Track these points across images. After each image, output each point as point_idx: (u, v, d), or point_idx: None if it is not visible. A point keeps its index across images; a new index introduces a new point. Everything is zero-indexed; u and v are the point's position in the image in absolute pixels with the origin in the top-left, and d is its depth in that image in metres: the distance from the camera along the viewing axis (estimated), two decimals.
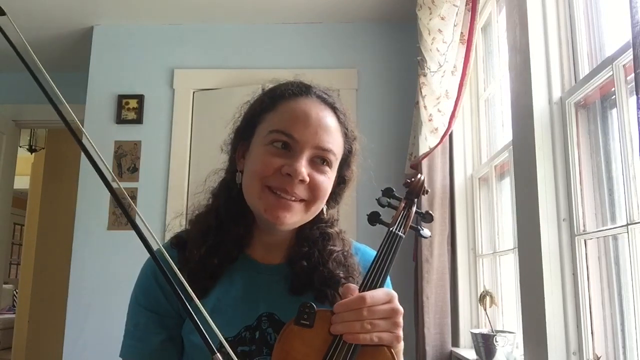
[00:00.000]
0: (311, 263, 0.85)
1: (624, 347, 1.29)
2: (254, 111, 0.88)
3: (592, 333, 1.34)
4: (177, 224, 0.98)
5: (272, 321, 0.83)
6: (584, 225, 1.39)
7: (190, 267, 0.83)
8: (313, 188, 0.81)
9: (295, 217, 0.81)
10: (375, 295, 0.71)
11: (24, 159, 4.93)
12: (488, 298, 1.90)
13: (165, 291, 0.85)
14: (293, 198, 0.80)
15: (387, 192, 0.84)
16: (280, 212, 0.80)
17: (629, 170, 1.19)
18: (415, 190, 0.84)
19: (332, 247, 0.88)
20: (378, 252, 0.77)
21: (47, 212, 4.71)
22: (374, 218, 0.82)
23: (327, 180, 0.83)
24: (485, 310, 1.93)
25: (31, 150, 5.31)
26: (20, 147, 4.29)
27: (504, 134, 2.10)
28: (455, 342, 2.25)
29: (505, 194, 2.10)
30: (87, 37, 3.08)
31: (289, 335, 0.71)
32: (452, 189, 2.35)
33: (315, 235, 0.88)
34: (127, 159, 2.89)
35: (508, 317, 2.01)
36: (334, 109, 0.86)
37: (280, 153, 0.81)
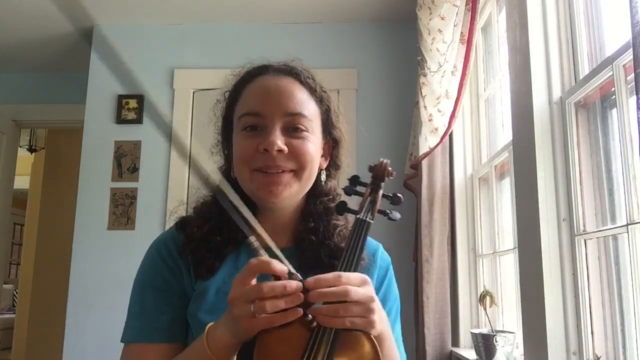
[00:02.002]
0: (318, 238, 0.86)
1: (624, 347, 1.28)
2: (227, 106, 0.92)
3: (592, 333, 1.34)
4: (182, 211, 0.98)
5: None
6: (584, 225, 1.39)
7: (193, 246, 0.85)
8: (296, 155, 0.82)
9: (288, 189, 0.83)
10: (351, 277, 0.69)
11: (24, 159, 4.93)
12: (488, 298, 1.90)
13: (172, 269, 0.85)
14: (280, 170, 0.82)
15: (354, 180, 0.82)
16: (272, 187, 0.82)
17: (629, 170, 1.19)
18: (379, 175, 0.81)
19: (335, 222, 0.89)
20: (347, 240, 0.75)
21: (47, 212, 4.70)
22: (342, 207, 0.80)
23: (308, 144, 0.84)
24: (485, 310, 1.93)
25: (31, 150, 5.31)
26: (20, 147, 4.29)
27: (504, 134, 2.10)
28: (455, 342, 2.25)
29: (505, 194, 2.10)
30: (87, 37, 3.08)
31: (265, 337, 0.69)
32: (452, 189, 2.35)
33: (320, 210, 0.89)
34: (127, 159, 2.89)
35: (508, 317, 2.01)
36: (294, 74, 0.88)
37: (254, 134, 0.83)
